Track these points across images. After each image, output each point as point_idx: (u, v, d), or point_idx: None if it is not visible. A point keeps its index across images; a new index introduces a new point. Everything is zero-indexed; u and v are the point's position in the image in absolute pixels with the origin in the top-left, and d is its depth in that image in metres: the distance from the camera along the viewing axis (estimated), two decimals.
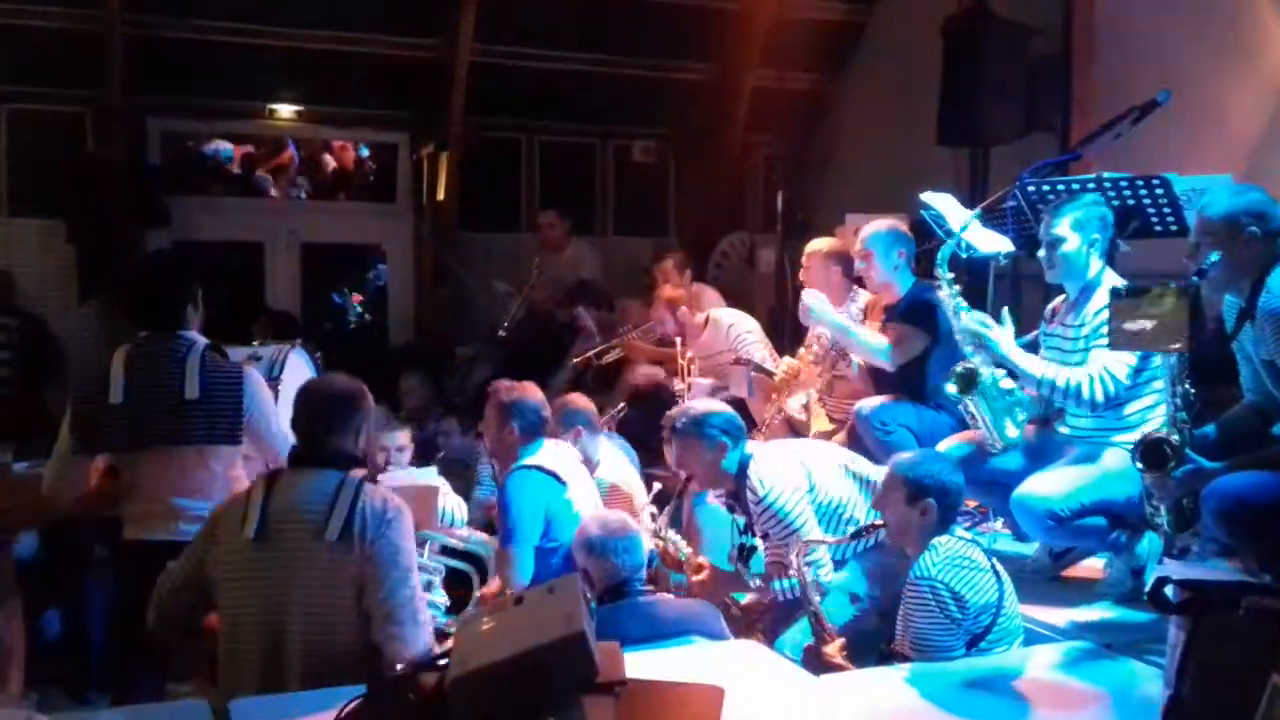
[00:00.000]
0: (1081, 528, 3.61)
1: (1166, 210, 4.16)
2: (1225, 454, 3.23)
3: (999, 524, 4.46)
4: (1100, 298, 3.68)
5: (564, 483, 4.06)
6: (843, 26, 8.68)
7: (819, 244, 5.26)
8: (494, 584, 4.13)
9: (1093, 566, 4.01)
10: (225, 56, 7.85)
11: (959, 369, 3.83)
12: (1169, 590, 3.50)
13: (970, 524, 4.61)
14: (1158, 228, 4.19)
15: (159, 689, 3.32)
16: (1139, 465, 3.20)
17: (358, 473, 2.93)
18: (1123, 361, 3.56)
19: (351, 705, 2.30)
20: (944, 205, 4.78)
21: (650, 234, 8.99)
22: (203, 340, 3.52)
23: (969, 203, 5.08)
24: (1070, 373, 3.61)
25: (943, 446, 4.01)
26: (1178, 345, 3.11)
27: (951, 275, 3.93)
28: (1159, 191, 4.11)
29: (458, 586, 4.17)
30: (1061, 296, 3.95)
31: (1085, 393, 3.56)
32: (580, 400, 4.77)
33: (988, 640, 3.06)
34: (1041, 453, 3.87)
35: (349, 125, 9.00)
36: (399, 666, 2.77)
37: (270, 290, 8.59)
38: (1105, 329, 3.43)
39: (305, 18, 7.80)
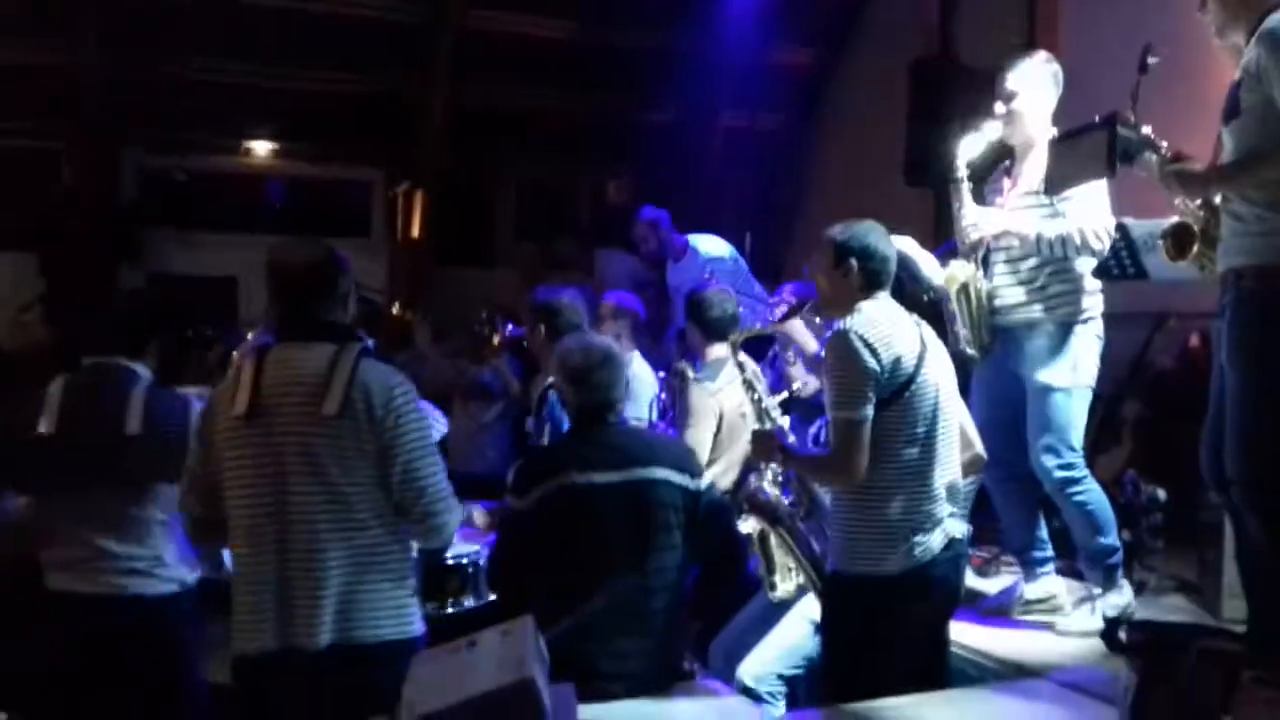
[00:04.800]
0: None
1: (1125, 254, 4.23)
2: None
3: None
4: (1042, 151, 3.68)
5: None
6: (811, 69, 8.86)
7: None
8: None
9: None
10: (202, 93, 7.93)
11: (948, 270, 3.82)
12: (1122, 632, 3.59)
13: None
14: (1115, 271, 4.24)
15: None
16: (1170, 254, 3.18)
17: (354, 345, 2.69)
18: (1101, 220, 3.59)
19: None
20: (906, 247, 4.84)
21: None
22: (149, 373, 3.26)
23: (932, 244, 5.16)
24: (1060, 226, 3.62)
25: None
26: (1099, 174, 3.21)
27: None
28: (1115, 235, 4.17)
29: None
30: (1004, 164, 3.95)
31: (1078, 239, 3.57)
32: None
33: (906, 396, 2.89)
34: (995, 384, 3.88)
35: (324, 161, 9.06)
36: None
37: (245, 326, 8.57)
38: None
39: (281, 56, 7.89)
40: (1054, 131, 3.72)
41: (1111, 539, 3.81)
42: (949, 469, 3.01)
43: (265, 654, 2.58)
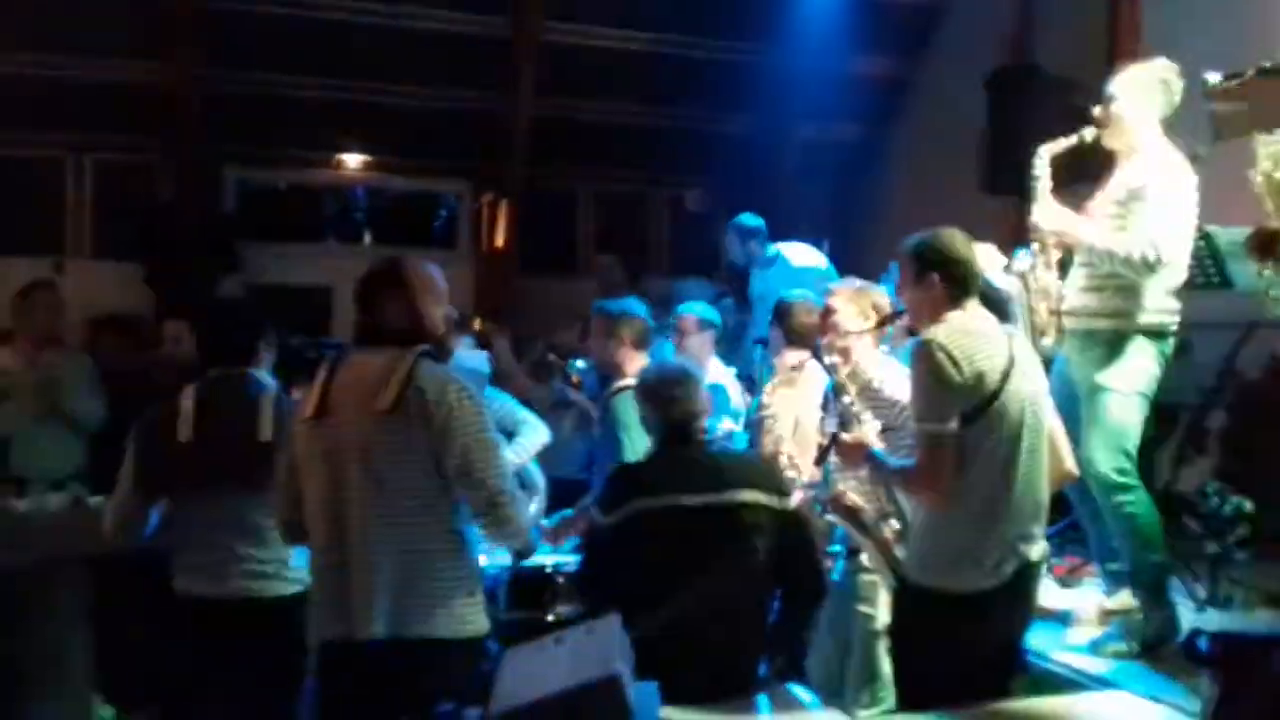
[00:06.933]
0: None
1: (1209, 263, 4.18)
2: None
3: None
4: (1144, 157, 3.68)
5: None
6: (889, 79, 8.86)
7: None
8: None
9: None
10: (296, 108, 8.24)
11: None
12: (1202, 642, 3.55)
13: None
14: (1199, 280, 4.18)
15: None
16: (1254, 256, 3.18)
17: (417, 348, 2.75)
18: (1156, 239, 3.55)
19: None
20: (984, 255, 4.84)
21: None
22: (272, 380, 3.39)
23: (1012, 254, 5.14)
24: (1118, 238, 3.59)
25: None
26: None
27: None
28: (1200, 243, 4.11)
29: None
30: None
31: (1122, 254, 3.53)
32: None
33: (988, 414, 2.77)
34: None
35: (413, 174, 9.32)
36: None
37: (339, 334, 8.85)
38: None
39: (372, 71, 8.15)
40: (1163, 145, 3.70)
41: (1157, 555, 3.68)
42: (1034, 487, 2.89)
43: (326, 643, 2.75)
